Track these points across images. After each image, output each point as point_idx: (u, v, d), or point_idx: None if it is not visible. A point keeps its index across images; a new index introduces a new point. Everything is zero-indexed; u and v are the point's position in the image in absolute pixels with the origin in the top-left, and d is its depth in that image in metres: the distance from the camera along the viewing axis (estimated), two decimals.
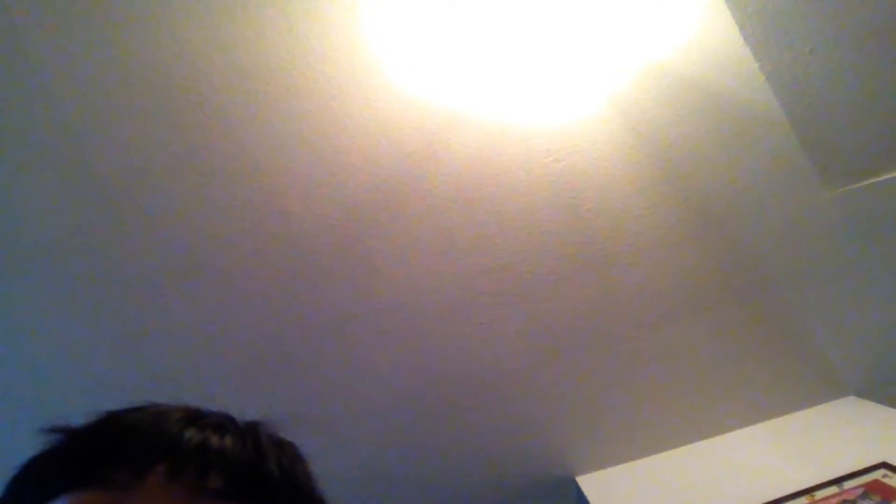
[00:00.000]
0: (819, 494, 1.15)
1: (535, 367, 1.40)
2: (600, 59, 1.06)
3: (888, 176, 1.23)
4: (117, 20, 0.92)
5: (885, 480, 1.14)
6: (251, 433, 0.41)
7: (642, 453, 1.52)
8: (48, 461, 0.38)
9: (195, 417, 0.40)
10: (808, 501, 1.15)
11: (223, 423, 0.41)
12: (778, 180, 1.24)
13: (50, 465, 0.38)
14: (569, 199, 1.21)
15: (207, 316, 1.20)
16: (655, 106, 1.13)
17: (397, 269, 1.23)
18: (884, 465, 1.17)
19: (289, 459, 0.42)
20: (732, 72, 1.08)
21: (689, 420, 1.51)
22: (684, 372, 1.46)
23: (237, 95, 1.01)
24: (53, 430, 0.38)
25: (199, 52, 0.96)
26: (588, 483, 1.47)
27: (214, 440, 0.38)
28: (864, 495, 1.12)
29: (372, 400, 1.36)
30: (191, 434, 0.37)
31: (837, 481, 1.17)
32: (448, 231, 1.21)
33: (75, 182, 1.05)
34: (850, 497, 1.13)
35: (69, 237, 1.08)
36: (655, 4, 1.01)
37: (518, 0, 0.98)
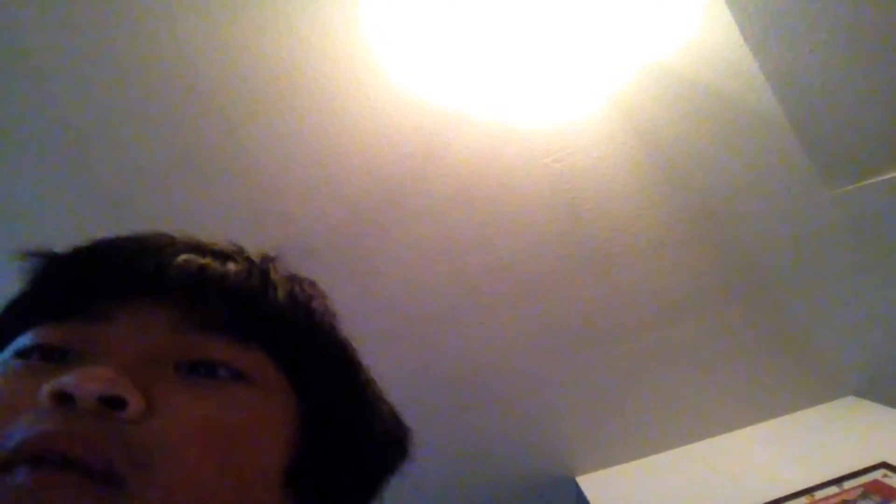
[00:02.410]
0: (819, 494, 1.15)
1: (535, 367, 1.40)
2: (600, 59, 1.06)
3: (888, 176, 1.23)
4: (117, 20, 0.92)
5: (885, 480, 1.14)
6: (261, 264, 0.35)
7: (642, 453, 1.52)
8: (23, 292, 0.33)
9: (197, 244, 0.34)
10: (808, 501, 1.15)
11: (228, 251, 0.35)
12: (778, 180, 1.24)
13: (23, 297, 0.32)
14: (569, 199, 1.21)
15: None
16: (655, 106, 1.13)
17: (397, 269, 1.23)
18: (884, 465, 1.17)
19: (305, 294, 0.36)
20: (732, 72, 1.08)
21: (689, 420, 1.51)
22: (684, 372, 1.46)
23: (237, 95, 1.01)
24: (34, 255, 0.33)
25: (199, 52, 0.96)
26: (588, 483, 1.47)
27: (214, 266, 0.32)
28: (864, 495, 1.12)
29: None
30: (186, 258, 0.32)
31: (837, 481, 1.17)
32: (448, 231, 1.21)
33: (75, 182, 1.05)
34: (850, 497, 1.13)
35: (69, 238, 1.08)
36: (655, 4, 1.01)
37: (518, 0, 0.98)
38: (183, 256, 0.32)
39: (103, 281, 0.30)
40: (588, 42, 1.03)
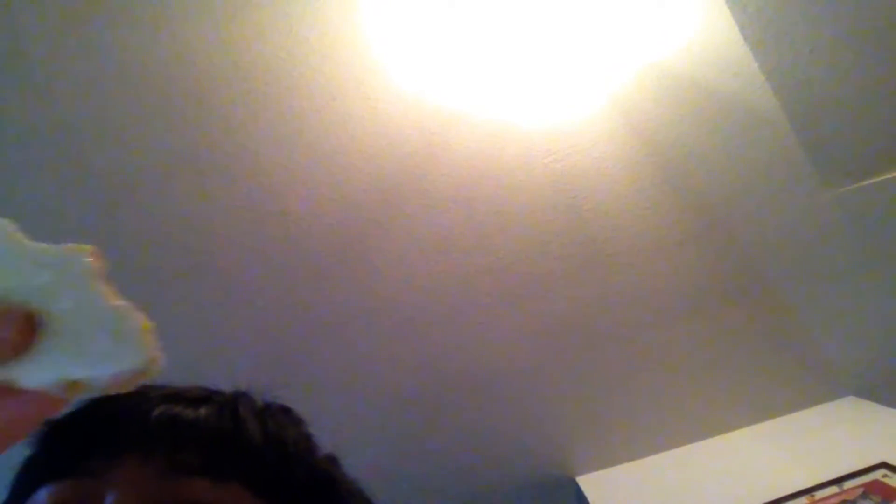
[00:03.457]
0: (819, 494, 1.15)
1: (535, 367, 1.40)
2: (600, 59, 1.06)
3: (888, 176, 1.23)
4: (117, 20, 0.92)
5: (885, 480, 1.14)
6: (231, 403, 0.38)
7: (642, 453, 1.52)
8: (32, 454, 0.37)
9: (173, 394, 0.38)
10: (808, 501, 1.15)
11: (202, 395, 0.38)
12: (778, 180, 1.24)
13: (32, 458, 0.37)
14: (569, 199, 1.21)
15: (207, 316, 1.20)
16: (655, 106, 1.13)
17: (397, 269, 1.23)
18: (884, 465, 1.17)
19: (277, 425, 0.39)
20: (732, 72, 1.08)
21: (689, 420, 1.51)
22: (684, 372, 1.46)
23: (237, 95, 1.01)
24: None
25: (199, 52, 0.96)
26: (588, 483, 1.47)
27: (187, 413, 0.36)
28: (864, 495, 1.12)
29: (372, 400, 1.36)
30: (161, 410, 0.36)
31: (837, 481, 1.17)
32: (448, 231, 1.21)
33: (75, 182, 1.05)
34: (849, 497, 1.13)
35: (68, 237, 1.08)
36: (655, 4, 1.01)
37: (518, 0, 0.98)
38: (158, 409, 0.36)
39: (95, 444, 0.35)
40: (588, 42, 1.03)
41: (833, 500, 1.13)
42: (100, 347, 0.20)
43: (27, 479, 0.36)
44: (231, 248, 1.15)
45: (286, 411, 0.42)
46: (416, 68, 1.03)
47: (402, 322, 1.29)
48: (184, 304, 1.18)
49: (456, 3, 0.97)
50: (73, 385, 0.20)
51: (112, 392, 0.21)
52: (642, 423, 1.50)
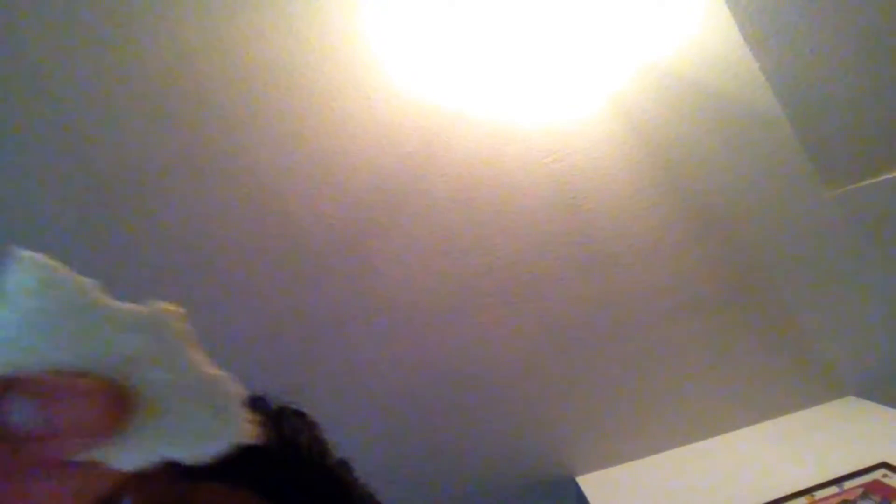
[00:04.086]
0: (819, 494, 1.15)
1: (535, 367, 1.40)
2: (600, 59, 1.06)
3: (888, 176, 1.23)
4: (117, 20, 0.92)
5: (885, 480, 1.14)
6: (249, 406, 0.38)
7: (642, 453, 1.52)
8: None
9: None
10: (808, 501, 1.15)
11: None
12: (778, 180, 1.24)
13: None
14: (569, 199, 1.21)
15: (207, 315, 1.20)
16: (655, 106, 1.13)
17: (397, 269, 1.23)
18: (884, 465, 1.17)
19: (291, 429, 0.39)
20: (732, 72, 1.08)
21: (690, 420, 1.51)
22: (684, 372, 1.46)
23: (237, 95, 1.01)
24: None
25: (199, 52, 0.96)
26: (588, 483, 1.47)
27: None
28: (864, 495, 1.12)
29: (372, 400, 1.36)
30: None
31: (837, 481, 1.17)
32: (448, 231, 1.21)
33: (76, 182, 1.05)
34: (850, 497, 1.13)
35: (69, 237, 1.08)
36: (655, 4, 1.01)
37: (518, 0, 0.98)
38: None
39: None
40: (588, 42, 1.03)
41: (833, 500, 1.13)
42: (197, 425, 0.19)
43: None
44: (231, 248, 1.15)
45: (300, 415, 0.41)
46: (416, 68, 1.03)
47: (402, 322, 1.29)
48: (184, 304, 1.18)
49: (456, 3, 0.97)
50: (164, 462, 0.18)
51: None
52: (642, 423, 1.50)
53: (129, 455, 0.17)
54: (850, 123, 1.16)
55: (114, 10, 0.91)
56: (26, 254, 0.17)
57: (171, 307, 0.20)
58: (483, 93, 1.08)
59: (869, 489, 1.13)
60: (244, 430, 0.19)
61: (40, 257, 0.17)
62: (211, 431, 0.19)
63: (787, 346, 1.47)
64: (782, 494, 1.17)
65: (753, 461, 1.36)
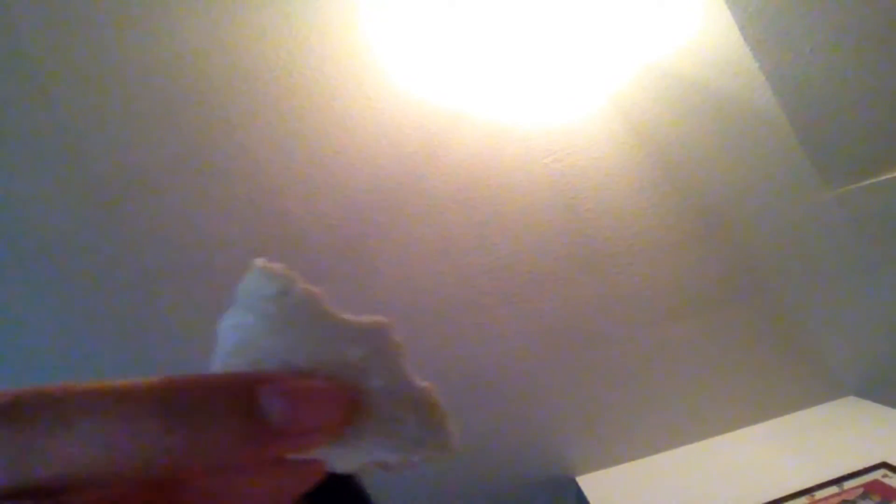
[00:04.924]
0: (819, 494, 1.15)
1: (535, 367, 1.40)
2: (600, 59, 1.06)
3: (888, 176, 1.23)
4: (117, 20, 0.92)
5: (885, 480, 1.14)
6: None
7: (642, 453, 1.52)
8: None
9: None
10: (808, 501, 1.15)
11: None
12: (778, 180, 1.24)
13: None
14: (569, 199, 1.21)
15: (207, 316, 1.20)
16: (655, 106, 1.13)
17: (397, 269, 1.23)
18: (884, 465, 1.17)
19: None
20: (732, 72, 1.08)
21: (689, 420, 1.51)
22: (684, 372, 1.46)
23: (237, 95, 1.01)
24: None
25: (199, 52, 0.96)
26: (588, 483, 1.47)
27: None
28: (864, 495, 1.12)
29: None
30: None
31: (837, 481, 1.17)
32: (448, 231, 1.21)
33: (75, 182, 1.05)
34: (850, 497, 1.13)
35: (69, 237, 1.08)
36: (655, 4, 1.01)
37: (518, 0, 0.98)
38: None
39: None
40: (588, 42, 1.03)
41: (833, 500, 1.13)
42: (410, 431, 0.20)
43: None
44: (231, 248, 1.15)
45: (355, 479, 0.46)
46: (416, 68, 1.03)
47: (402, 322, 1.28)
48: (184, 304, 1.18)
49: (456, 3, 0.97)
50: (375, 465, 0.19)
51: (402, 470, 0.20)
52: (642, 423, 1.50)
53: (348, 457, 0.19)
54: (850, 123, 1.16)
55: (114, 10, 0.91)
56: (262, 262, 0.19)
57: (386, 321, 0.21)
58: (483, 93, 1.08)
59: (869, 489, 1.13)
60: (451, 439, 0.20)
61: (277, 266, 0.19)
62: (421, 439, 0.20)
63: (787, 346, 1.47)
64: (782, 494, 1.17)
65: (753, 461, 1.36)
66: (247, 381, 0.16)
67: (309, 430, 0.17)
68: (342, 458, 0.19)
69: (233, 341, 0.19)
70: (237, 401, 0.16)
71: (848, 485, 1.16)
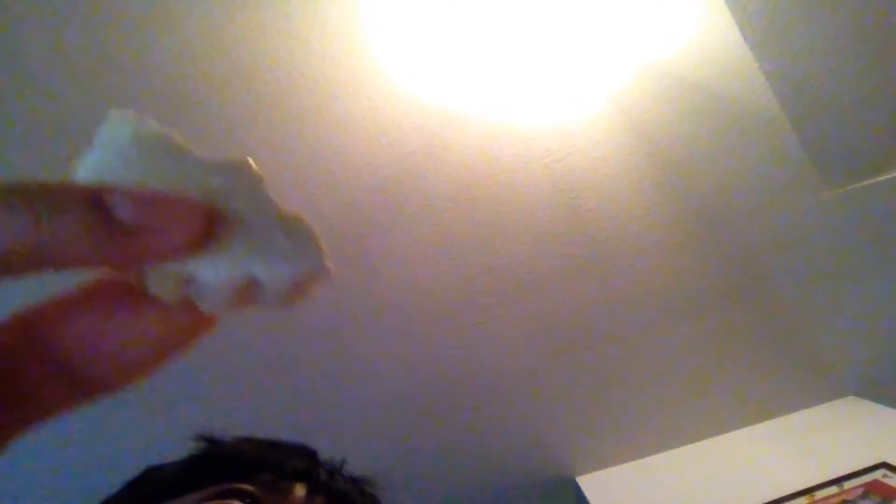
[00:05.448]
0: (819, 494, 1.15)
1: (535, 367, 1.40)
2: (600, 59, 1.06)
3: (888, 176, 1.23)
4: (117, 20, 0.92)
5: (885, 480, 1.14)
6: (357, 485, 0.53)
7: (642, 453, 1.52)
8: (199, 460, 0.47)
9: (313, 456, 0.52)
10: (808, 501, 1.15)
11: (337, 470, 0.53)
12: (778, 180, 1.24)
13: (197, 465, 0.46)
14: (569, 199, 1.21)
15: None
16: (655, 106, 1.13)
17: (397, 269, 1.23)
18: (884, 465, 1.17)
19: (365, 493, 0.53)
20: (732, 72, 1.08)
21: (689, 420, 1.51)
22: (684, 372, 1.46)
23: (237, 95, 1.01)
24: (199, 438, 0.49)
25: (199, 52, 0.96)
26: (588, 483, 1.47)
27: (339, 482, 0.50)
28: (864, 495, 1.12)
29: (371, 400, 1.36)
30: (324, 473, 0.50)
31: (837, 481, 1.17)
32: (448, 231, 1.21)
33: None
34: (850, 497, 1.13)
35: None
36: (655, 4, 1.01)
37: (518, 0, 0.98)
38: (321, 472, 0.50)
39: (264, 466, 0.46)
40: (588, 42, 1.03)
41: (833, 500, 1.13)
42: (277, 247, 0.20)
43: (192, 480, 0.44)
44: None
45: (368, 480, 0.55)
46: (416, 68, 1.03)
47: (402, 322, 1.29)
48: None
49: (456, 3, 0.97)
50: (248, 288, 0.20)
51: (283, 304, 0.20)
52: (642, 423, 1.50)
53: (215, 269, 0.19)
54: (850, 123, 1.16)
55: (114, 9, 0.91)
56: (117, 111, 0.20)
57: (245, 159, 0.22)
58: (483, 93, 1.08)
59: (869, 489, 1.13)
60: (322, 257, 0.22)
61: (130, 112, 0.20)
62: (290, 254, 0.21)
63: (787, 346, 1.47)
64: (782, 494, 1.17)
65: (753, 461, 1.36)
66: (96, 186, 0.17)
67: (161, 228, 0.17)
68: (209, 270, 0.19)
69: (91, 178, 0.19)
70: (86, 194, 0.16)
71: (848, 485, 1.16)
